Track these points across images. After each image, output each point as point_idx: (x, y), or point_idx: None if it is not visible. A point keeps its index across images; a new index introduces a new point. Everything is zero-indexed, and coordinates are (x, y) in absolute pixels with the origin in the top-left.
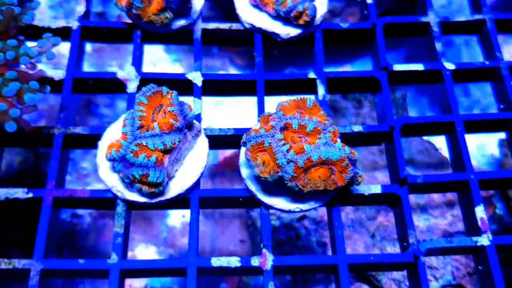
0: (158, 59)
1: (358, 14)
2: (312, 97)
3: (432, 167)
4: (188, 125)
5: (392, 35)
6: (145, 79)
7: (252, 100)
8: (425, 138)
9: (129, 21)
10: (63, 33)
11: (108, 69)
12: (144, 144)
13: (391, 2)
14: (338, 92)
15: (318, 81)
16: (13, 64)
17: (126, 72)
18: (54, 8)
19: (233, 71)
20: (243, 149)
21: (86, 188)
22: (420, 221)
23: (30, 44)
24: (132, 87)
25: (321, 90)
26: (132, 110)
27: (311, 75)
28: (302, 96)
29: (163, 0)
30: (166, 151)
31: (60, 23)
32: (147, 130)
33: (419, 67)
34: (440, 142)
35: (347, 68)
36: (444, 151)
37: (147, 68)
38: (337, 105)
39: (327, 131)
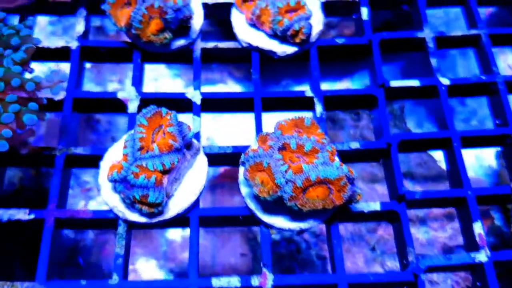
0: (159, 74)
1: (354, 26)
2: (310, 114)
3: (431, 180)
4: (187, 145)
5: (388, 50)
6: (146, 99)
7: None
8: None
9: (128, 40)
10: (63, 53)
11: (108, 84)
12: (144, 165)
13: (388, 15)
14: (335, 109)
15: (315, 99)
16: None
17: (127, 92)
18: (53, 24)
19: (231, 83)
20: (242, 168)
21: (90, 201)
22: (419, 234)
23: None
24: (132, 107)
25: (318, 108)
26: (132, 132)
27: (308, 93)
28: (299, 113)
29: (161, 21)
30: (165, 171)
31: (60, 43)
32: (147, 151)
33: (415, 83)
34: (439, 154)
35: (345, 81)
36: (443, 164)
37: (148, 83)
38: (335, 117)
39: (325, 150)
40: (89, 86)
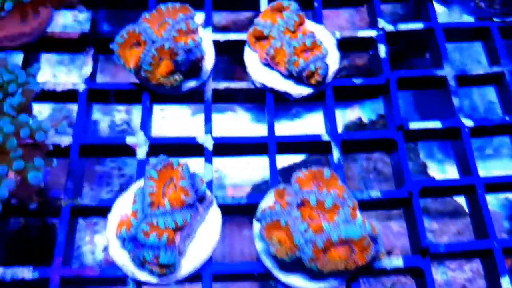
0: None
1: (366, 56)
2: (329, 158)
3: (448, 215)
4: (200, 199)
5: (406, 88)
6: (155, 145)
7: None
8: None
9: (137, 80)
10: (70, 95)
11: (115, 114)
12: (155, 223)
13: (401, 45)
14: (352, 152)
15: (332, 144)
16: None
17: (135, 138)
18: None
19: (241, 112)
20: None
21: (95, 235)
22: (437, 275)
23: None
24: (141, 153)
25: (336, 153)
26: (142, 182)
27: (325, 137)
28: (315, 157)
29: (172, 63)
30: (177, 229)
31: (66, 85)
32: (158, 207)
33: (436, 124)
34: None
35: (355, 109)
36: (460, 199)
37: (157, 119)
38: None
39: (346, 206)
40: (97, 115)
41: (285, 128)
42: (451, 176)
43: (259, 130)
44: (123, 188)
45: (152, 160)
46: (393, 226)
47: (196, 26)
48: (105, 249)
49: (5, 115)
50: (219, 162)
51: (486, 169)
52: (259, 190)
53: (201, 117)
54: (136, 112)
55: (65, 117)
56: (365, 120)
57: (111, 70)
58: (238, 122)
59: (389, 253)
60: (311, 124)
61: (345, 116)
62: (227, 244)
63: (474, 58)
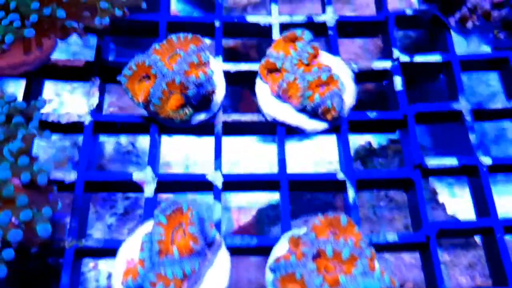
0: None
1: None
2: (341, 197)
3: (460, 247)
4: (209, 244)
5: (422, 122)
6: (163, 182)
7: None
8: (450, 213)
9: (144, 112)
10: (75, 127)
11: (121, 137)
12: (163, 273)
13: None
14: (366, 189)
15: (347, 183)
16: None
17: (143, 174)
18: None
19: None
20: (269, 263)
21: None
22: None
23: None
24: (149, 190)
25: (351, 192)
26: (150, 226)
27: (340, 175)
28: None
29: (182, 96)
30: (184, 277)
31: (72, 117)
32: (166, 256)
33: (453, 161)
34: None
35: (366, 134)
36: None
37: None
38: None
39: (364, 257)
40: (102, 137)
41: (295, 148)
42: (462, 200)
43: (267, 150)
44: (128, 211)
45: (162, 204)
46: (405, 257)
47: (208, 58)
48: (109, 276)
49: (4, 159)
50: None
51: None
52: (265, 215)
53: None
54: (143, 141)
55: (69, 158)
56: (375, 145)
57: (118, 90)
58: (245, 142)
59: (401, 286)
60: (322, 143)
61: (354, 140)
62: (233, 272)
63: (482, 81)
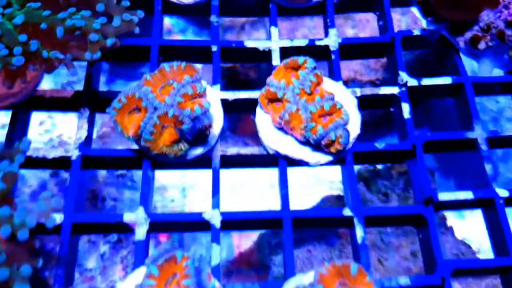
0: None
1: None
2: (347, 231)
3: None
4: None
5: (433, 151)
6: (156, 223)
7: (272, 181)
8: (460, 238)
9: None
10: (61, 163)
11: None
12: None
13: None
14: (377, 226)
15: (355, 220)
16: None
17: (134, 215)
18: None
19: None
20: None
21: None
22: None
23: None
24: (141, 233)
25: (359, 231)
26: (141, 276)
27: (347, 212)
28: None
29: (176, 131)
30: None
31: (58, 152)
32: None
33: (468, 195)
34: (477, 243)
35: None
36: (483, 255)
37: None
38: (361, 198)
39: None
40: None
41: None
42: (470, 222)
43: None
44: (121, 238)
45: (154, 252)
46: None
47: (204, 89)
48: None
49: None
50: (225, 203)
51: None
52: (267, 242)
53: None
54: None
55: (53, 209)
56: (378, 166)
57: None
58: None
59: None
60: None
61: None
62: None
63: (491, 97)
